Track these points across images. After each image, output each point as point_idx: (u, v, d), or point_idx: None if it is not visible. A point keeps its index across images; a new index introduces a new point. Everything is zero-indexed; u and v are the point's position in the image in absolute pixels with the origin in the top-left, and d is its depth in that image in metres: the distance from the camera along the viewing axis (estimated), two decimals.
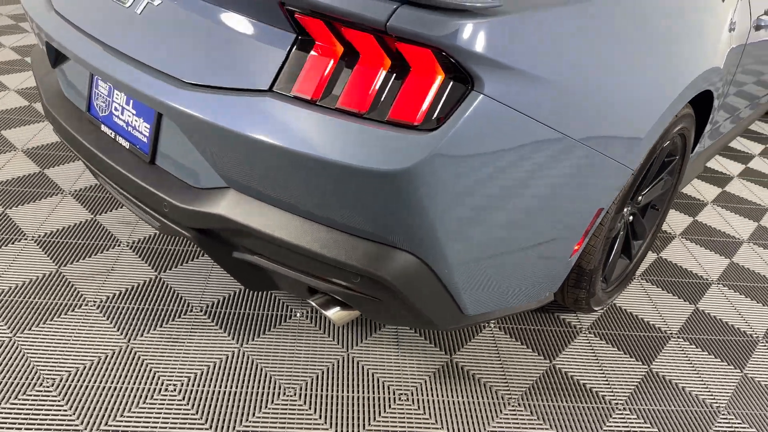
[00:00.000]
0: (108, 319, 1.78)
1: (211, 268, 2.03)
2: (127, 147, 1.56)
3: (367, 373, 1.72)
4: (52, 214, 2.18)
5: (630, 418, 1.69)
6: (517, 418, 1.64)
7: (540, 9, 1.20)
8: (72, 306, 1.81)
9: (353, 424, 1.56)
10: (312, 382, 1.66)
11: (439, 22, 1.08)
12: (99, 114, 1.62)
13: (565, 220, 1.47)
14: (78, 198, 2.29)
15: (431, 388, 1.70)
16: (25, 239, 2.05)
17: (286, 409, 1.58)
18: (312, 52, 1.21)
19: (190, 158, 1.43)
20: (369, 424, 1.56)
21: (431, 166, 1.13)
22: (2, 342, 1.66)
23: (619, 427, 1.66)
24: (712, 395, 1.81)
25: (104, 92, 1.59)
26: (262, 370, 1.68)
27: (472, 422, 1.61)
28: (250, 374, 1.66)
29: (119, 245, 2.08)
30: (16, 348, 1.65)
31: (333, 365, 1.73)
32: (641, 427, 1.66)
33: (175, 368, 1.65)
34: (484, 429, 1.60)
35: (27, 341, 1.67)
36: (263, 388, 1.63)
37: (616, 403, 1.73)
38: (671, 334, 2.03)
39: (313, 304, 1.47)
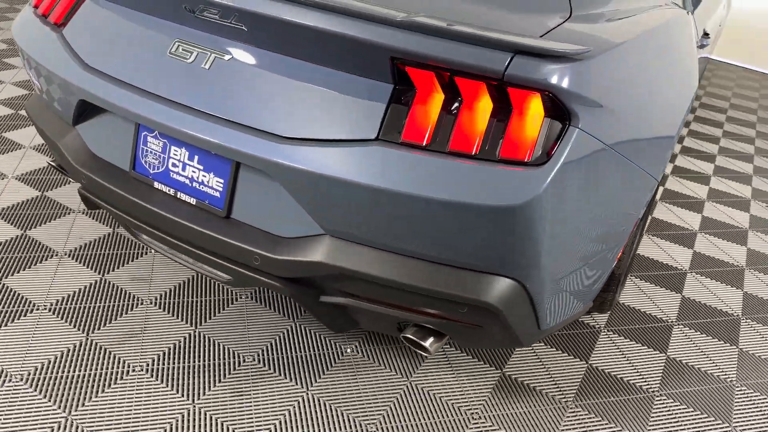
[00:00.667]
0: (163, 382, 1.70)
1: (246, 315, 1.99)
2: (193, 203, 1.52)
3: (435, 398, 1.77)
4: (56, 280, 2.04)
5: (668, 403, 1.88)
6: (579, 420, 1.77)
7: (607, 51, 1.35)
8: (119, 374, 1.71)
9: None
10: (388, 416, 1.70)
11: (546, 67, 1.19)
12: (149, 171, 1.57)
13: (620, 233, 1.63)
14: (76, 258, 2.15)
15: (496, 403, 1.79)
16: (37, 309, 1.90)
17: None
18: (415, 100, 1.27)
19: (273, 209, 1.43)
20: None
21: (544, 197, 1.23)
22: (59, 424, 1.54)
23: (663, 413, 1.84)
24: (723, 371, 2.05)
25: (157, 149, 1.54)
26: (336, 410, 1.69)
27: (544, 429, 1.72)
28: (328, 416, 1.66)
29: (141, 303, 1.98)
30: (77, 428, 1.54)
31: (401, 395, 1.77)
32: (681, 410, 1.86)
33: (252, 422, 1.62)
34: None
35: (85, 419, 1.57)
36: (346, 428, 1.64)
37: (653, 392, 1.92)
38: (672, 321, 2.27)
39: (410, 337, 1.51)
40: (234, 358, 1.82)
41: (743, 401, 1.93)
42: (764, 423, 1.86)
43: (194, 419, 1.60)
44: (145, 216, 1.56)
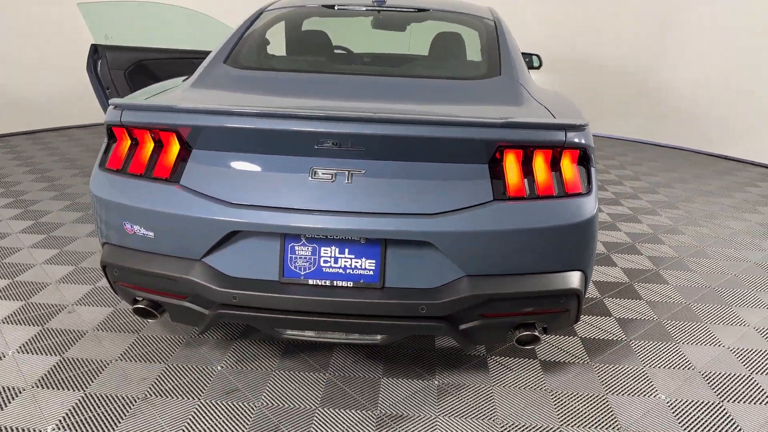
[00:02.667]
0: None
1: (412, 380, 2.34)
2: (350, 286, 1.93)
3: (523, 389, 2.36)
4: (163, 418, 2.13)
5: (640, 343, 2.74)
6: (604, 371, 2.52)
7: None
8: None
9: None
10: (502, 410, 2.23)
11: (581, 135, 1.96)
12: (301, 273, 1.94)
13: None
14: (160, 395, 2.25)
15: (552, 378, 2.44)
16: None
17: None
18: (506, 169, 1.93)
19: (418, 270, 1.93)
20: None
21: (596, 212, 1.99)
22: None
23: (640, 351, 2.69)
24: (646, 316, 3.00)
25: (306, 253, 1.93)
26: (473, 420, 2.17)
27: (591, 384, 2.42)
28: (468, 428, 2.14)
29: (254, 406, 2.20)
30: None
31: (501, 393, 2.32)
32: (650, 345, 2.73)
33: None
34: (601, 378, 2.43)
35: None
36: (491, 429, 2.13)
37: (626, 340, 2.76)
38: (600, 298, 3.19)
39: (526, 334, 2.07)
40: (364, 414, 2.17)
41: (672, 333, 2.89)
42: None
43: None
44: (302, 308, 1.91)
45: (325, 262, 1.95)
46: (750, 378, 2.49)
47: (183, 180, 1.97)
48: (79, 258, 3.47)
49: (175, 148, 2.00)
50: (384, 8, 3.11)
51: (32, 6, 6.80)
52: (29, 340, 2.60)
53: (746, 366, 2.57)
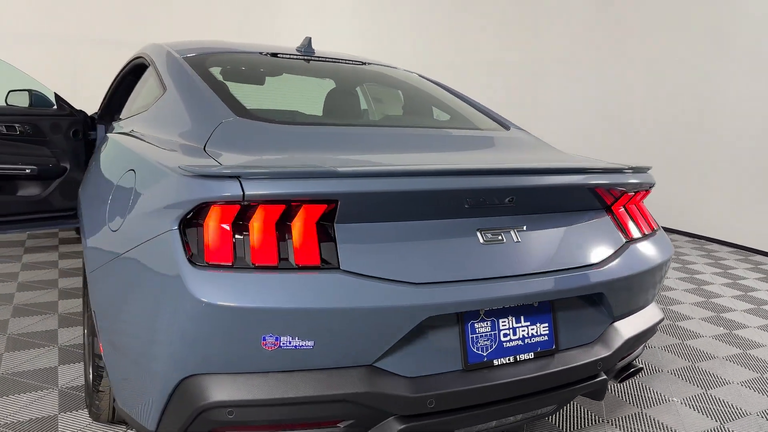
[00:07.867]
0: None
1: None
2: (531, 357, 1.73)
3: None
4: None
5: None
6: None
7: None
8: None
9: None
10: None
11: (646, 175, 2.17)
12: (484, 355, 1.66)
13: None
14: None
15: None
16: None
17: None
18: (619, 213, 2.01)
19: (580, 324, 1.85)
20: None
21: None
22: None
23: None
24: None
25: (485, 330, 1.67)
26: None
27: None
28: None
29: None
30: None
31: None
32: None
33: None
34: None
35: None
36: None
37: None
38: None
39: (634, 369, 2.10)
40: None
41: None
42: None
43: None
44: (492, 397, 1.64)
45: (505, 335, 1.70)
46: None
47: (343, 263, 1.51)
48: None
49: (310, 225, 1.52)
50: (314, 58, 2.87)
51: None
52: None
53: None
